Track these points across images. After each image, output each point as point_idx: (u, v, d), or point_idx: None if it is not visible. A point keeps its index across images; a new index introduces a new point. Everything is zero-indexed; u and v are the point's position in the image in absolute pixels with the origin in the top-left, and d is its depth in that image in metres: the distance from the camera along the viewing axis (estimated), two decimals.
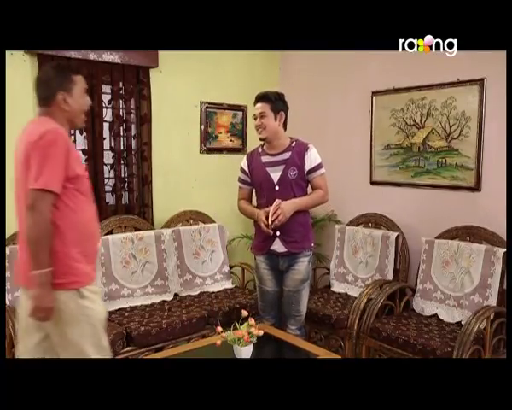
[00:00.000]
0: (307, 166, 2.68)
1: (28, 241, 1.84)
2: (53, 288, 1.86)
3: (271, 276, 2.80)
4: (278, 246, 2.71)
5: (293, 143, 2.73)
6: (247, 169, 2.84)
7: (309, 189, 2.80)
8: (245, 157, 2.90)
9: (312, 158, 2.68)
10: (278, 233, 2.69)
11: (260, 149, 2.82)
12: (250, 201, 2.90)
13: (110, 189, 3.53)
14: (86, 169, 2.10)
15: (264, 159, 2.76)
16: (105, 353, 2.05)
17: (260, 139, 2.79)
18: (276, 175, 2.70)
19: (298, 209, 2.65)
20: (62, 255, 1.90)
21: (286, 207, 2.60)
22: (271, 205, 2.63)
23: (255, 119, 2.74)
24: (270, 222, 2.58)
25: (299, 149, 2.70)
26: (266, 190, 2.74)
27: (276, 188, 2.70)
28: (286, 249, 2.70)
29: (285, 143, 2.74)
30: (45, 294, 1.83)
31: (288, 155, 2.70)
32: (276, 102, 2.70)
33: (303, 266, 2.72)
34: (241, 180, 2.90)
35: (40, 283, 1.81)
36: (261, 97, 2.72)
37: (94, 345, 1.99)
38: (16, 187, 1.98)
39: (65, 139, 1.89)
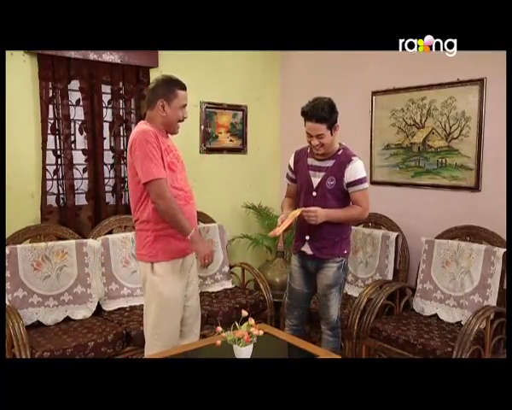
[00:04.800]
0: (346, 179, 2.56)
1: (169, 222, 2.28)
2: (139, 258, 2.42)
3: (300, 275, 2.78)
4: (306, 249, 2.70)
5: (340, 152, 2.62)
6: (293, 167, 2.78)
7: None
8: (292, 154, 2.81)
9: (353, 172, 2.55)
10: (308, 238, 2.67)
11: (308, 150, 2.71)
12: (296, 196, 2.79)
13: (110, 189, 3.52)
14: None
15: (310, 161, 2.68)
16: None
17: (317, 155, 2.63)
18: (316, 180, 2.63)
19: (330, 221, 2.55)
20: (144, 233, 2.36)
21: (320, 213, 2.50)
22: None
23: (309, 136, 2.56)
24: (278, 229, 2.51)
25: (342, 160, 2.58)
26: (304, 194, 2.68)
27: (314, 194, 2.63)
28: (312, 253, 2.68)
29: (333, 149, 2.62)
30: (202, 245, 2.34)
31: (331, 162, 2.60)
32: (330, 119, 2.50)
33: (331, 271, 2.66)
34: (288, 177, 2.84)
35: (195, 241, 2.30)
36: (317, 118, 2.48)
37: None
38: (129, 181, 2.39)
39: (155, 135, 2.26)
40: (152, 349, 2.40)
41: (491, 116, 3.08)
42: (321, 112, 2.48)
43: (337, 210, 2.59)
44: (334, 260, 2.66)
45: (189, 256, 2.47)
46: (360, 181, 2.57)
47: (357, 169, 2.56)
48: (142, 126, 2.33)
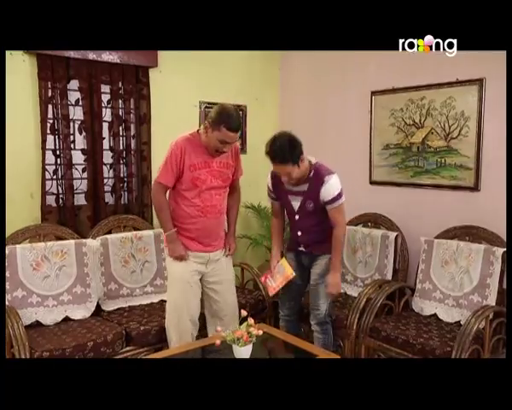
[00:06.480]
0: (322, 200, 2.68)
1: (156, 216, 2.81)
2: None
3: (295, 266, 2.90)
4: (300, 248, 2.92)
5: (312, 174, 2.68)
6: (271, 188, 2.88)
7: None
8: (269, 175, 2.87)
9: (326, 192, 2.65)
10: (300, 241, 2.88)
11: None
12: (282, 213, 2.95)
13: (109, 189, 3.52)
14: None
15: (287, 186, 2.76)
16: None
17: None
18: (296, 204, 2.78)
19: (339, 266, 2.80)
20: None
21: (333, 280, 2.75)
22: (297, 226, 2.83)
23: (279, 173, 2.67)
24: (272, 288, 2.87)
25: (316, 183, 2.67)
26: (289, 215, 2.89)
27: (296, 217, 2.81)
28: (305, 250, 2.88)
29: (305, 174, 2.69)
30: (175, 246, 2.68)
31: (305, 187, 2.71)
32: (293, 157, 2.55)
33: (323, 261, 2.82)
34: (270, 196, 2.95)
35: (170, 240, 2.68)
36: (280, 160, 2.56)
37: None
38: None
39: (180, 149, 2.58)
40: (169, 331, 2.78)
41: (491, 116, 3.08)
42: (281, 154, 2.54)
43: (335, 260, 2.76)
44: (327, 255, 2.82)
45: (204, 253, 2.73)
46: (334, 200, 2.68)
47: (330, 189, 2.66)
48: (182, 135, 2.64)
